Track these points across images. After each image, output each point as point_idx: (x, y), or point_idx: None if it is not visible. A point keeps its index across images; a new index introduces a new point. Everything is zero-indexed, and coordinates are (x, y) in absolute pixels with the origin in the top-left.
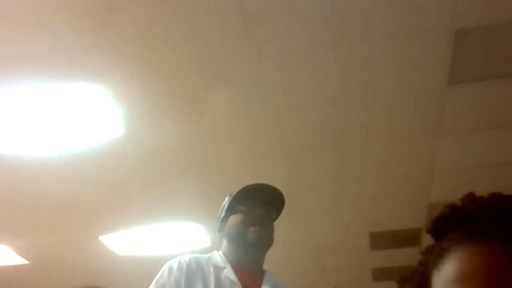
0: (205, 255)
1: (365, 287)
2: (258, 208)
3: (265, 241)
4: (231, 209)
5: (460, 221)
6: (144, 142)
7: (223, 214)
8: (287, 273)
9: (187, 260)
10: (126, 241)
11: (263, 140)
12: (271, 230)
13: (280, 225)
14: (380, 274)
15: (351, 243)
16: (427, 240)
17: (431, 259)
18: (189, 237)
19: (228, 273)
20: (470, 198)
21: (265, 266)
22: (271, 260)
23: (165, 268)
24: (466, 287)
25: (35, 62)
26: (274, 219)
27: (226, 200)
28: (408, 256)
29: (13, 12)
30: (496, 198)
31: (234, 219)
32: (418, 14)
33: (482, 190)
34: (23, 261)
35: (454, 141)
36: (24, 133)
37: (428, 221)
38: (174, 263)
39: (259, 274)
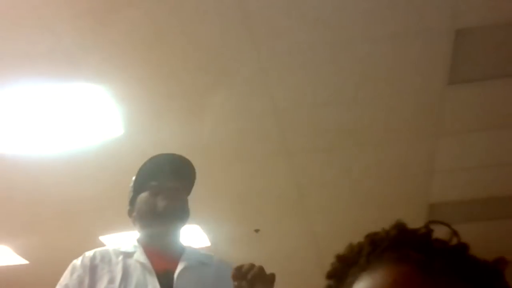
0: (116, 245)
1: None
2: (167, 180)
3: (177, 211)
4: (139, 188)
5: (351, 262)
6: (144, 142)
7: (131, 195)
8: (287, 273)
9: (91, 254)
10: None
11: (263, 140)
12: (184, 201)
13: (280, 225)
14: None
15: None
16: None
17: None
18: (188, 238)
19: (138, 256)
20: (350, 246)
21: (186, 244)
22: (271, 260)
23: (68, 268)
24: None
25: (35, 62)
26: (188, 191)
27: (133, 179)
28: None
29: (13, 12)
30: (371, 236)
31: (142, 196)
32: (418, 14)
33: (482, 190)
34: (23, 261)
35: (454, 141)
36: (24, 133)
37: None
38: (78, 261)
39: (177, 252)
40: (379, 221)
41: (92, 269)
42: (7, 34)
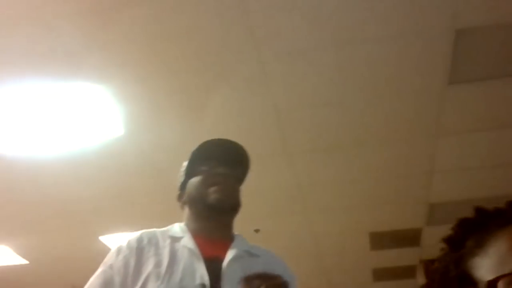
0: (164, 229)
1: (365, 287)
2: (219, 166)
3: (229, 202)
4: (190, 172)
5: (495, 216)
6: (144, 142)
7: (181, 179)
8: None
9: (138, 236)
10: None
11: (263, 140)
12: (235, 190)
13: (280, 225)
14: (380, 274)
15: (351, 243)
16: (427, 240)
17: (466, 251)
18: None
19: (186, 241)
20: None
21: (236, 232)
22: None
23: (114, 248)
24: None
25: (35, 62)
26: (240, 179)
27: (184, 165)
28: (408, 256)
29: (14, 11)
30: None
31: (193, 181)
32: (418, 14)
33: (482, 190)
34: (23, 261)
35: (454, 141)
36: (25, 133)
37: (453, 227)
38: (124, 242)
39: (226, 241)
40: (379, 221)
41: (139, 251)
42: (7, 33)
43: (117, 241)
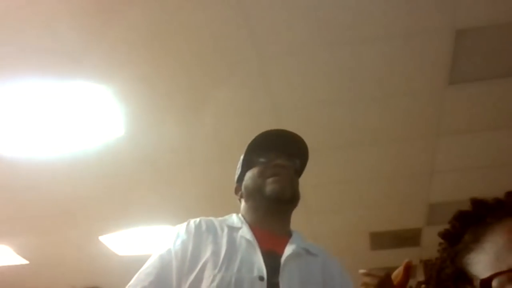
0: (221, 218)
1: None
2: (278, 158)
3: (287, 193)
4: (248, 164)
5: (493, 208)
6: (145, 142)
7: (239, 171)
8: None
9: (197, 222)
10: (126, 241)
11: None
12: (294, 182)
13: None
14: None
15: (351, 243)
16: (427, 240)
17: (463, 246)
18: None
19: (245, 232)
20: (480, 198)
21: (293, 228)
22: None
23: (172, 232)
24: None
25: (35, 62)
26: (298, 171)
27: (242, 158)
28: (408, 256)
29: (14, 10)
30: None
31: (250, 173)
32: (418, 14)
33: (482, 190)
34: (23, 261)
35: (454, 141)
36: (25, 133)
37: (450, 221)
38: (182, 226)
39: (284, 236)
40: (379, 221)
41: (197, 237)
42: (7, 33)
43: (117, 241)
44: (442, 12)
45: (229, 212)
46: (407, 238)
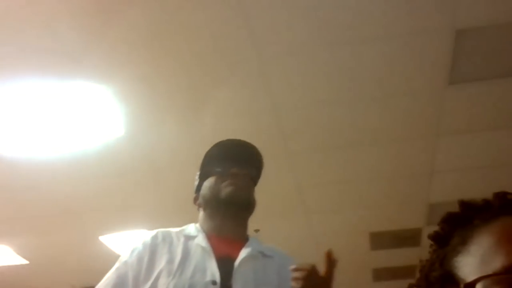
0: (179, 228)
1: (365, 287)
2: (233, 167)
3: (242, 196)
4: (205, 175)
5: (480, 209)
6: (144, 142)
7: (197, 182)
8: None
9: (153, 233)
10: (126, 241)
11: (263, 140)
12: (250, 188)
13: (280, 225)
14: (380, 274)
15: (351, 243)
16: (427, 240)
17: (450, 249)
18: None
19: (200, 240)
20: (472, 199)
21: (252, 234)
22: None
23: (130, 246)
24: (510, 248)
25: (35, 62)
26: (254, 179)
27: (200, 168)
28: (408, 256)
29: (14, 10)
30: (501, 193)
31: (207, 182)
32: (418, 14)
33: (482, 190)
34: (23, 261)
35: (454, 141)
36: (25, 133)
37: (439, 223)
38: (139, 241)
39: (240, 241)
40: (379, 221)
41: (153, 248)
42: (7, 33)
43: (117, 241)
44: (442, 12)
45: None
46: (407, 238)
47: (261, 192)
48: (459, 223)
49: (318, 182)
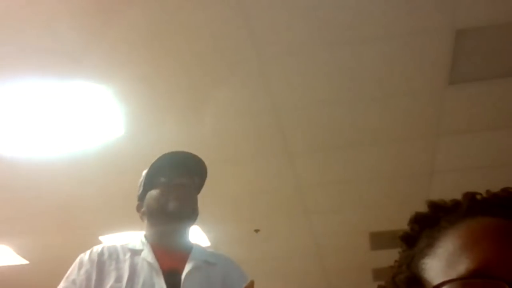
0: (124, 242)
1: (365, 287)
2: (177, 177)
3: (187, 210)
4: (149, 184)
5: (448, 210)
6: (145, 142)
7: (140, 190)
8: (287, 273)
9: (99, 250)
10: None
11: (263, 140)
12: (194, 200)
13: (280, 225)
14: (381, 274)
15: (351, 243)
16: None
17: (417, 250)
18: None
19: (146, 255)
20: (442, 200)
21: (194, 242)
22: (271, 260)
23: (75, 262)
24: (475, 251)
25: (35, 61)
26: (197, 189)
27: (143, 175)
28: None
29: (14, 10)
30: (469, 193)
31: (153, 193)
32: (418, 14)
33: (482, 190)
34: (23, 261)
35: (454, 141)
36: (25, 133)
37: (408, 223)
38: (85, 256)
39: (184, 252)
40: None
41: (100, 265)
42: (7, 33)
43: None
44: (442, 12)
45: (227, 211)
46: None
47: (261, 192)
48: (427, 224)
49: (318, 182)
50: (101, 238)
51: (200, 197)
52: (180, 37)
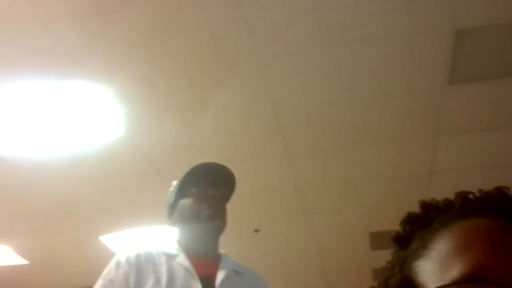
0: (157, 246)
1: (365, 287)
2: (209, 188)
3: (219, 220)
4: (181, 193)
5: (441, 211)
6: (145, 142)
7: (172, 199)
8: (287, 273)
9: (136, 253)
10: (126, 241)
11: (263, 140)
12: (224, 210)
13: (280, 225)
14: (381, 274)
15: (351, 243)
16: None
17: (410, 252)
18: None
19: (182, 260)
20: (434, 199)
21: (222, 250)
22: (271, 260)
23: (112, 262)
24: (469, 253)
25: (35, 61)
26: (226, 200)
27: (174, 185)
28: None
29: (14, 10)
30: (461, 193)
31: (185, 202)
32: (418, 14)
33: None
34: (23, 261)
35: (454, 141)
36: (24, 133)
37: (400, 223)
38: (122, 257)
39: (215, 259)
40: (379, 221)
41: (138, 267)
42: (7, 33)
43: (116, 241)
44: (442, 12)
45: (227, 210)
46: None
47: (261, 192)
48: (419, 225)
49: (318, 182)
50: (101, 238)
51: None
52: (180, 37)
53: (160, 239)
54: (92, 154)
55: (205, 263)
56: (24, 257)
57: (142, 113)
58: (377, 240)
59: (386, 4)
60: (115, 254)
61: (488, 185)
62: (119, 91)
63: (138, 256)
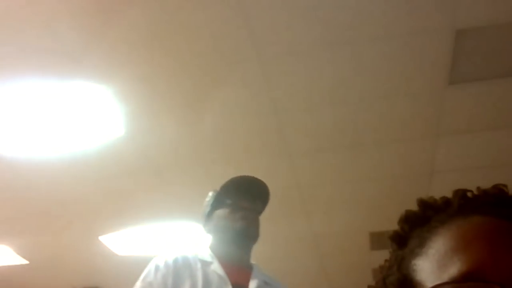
0: (192, 251)
1: (365, 287)
2: (244, 200)
3: (253, 231)
4: (216, 204)
5: (439, 209)
6: (145, 142)
7: (208, 209)
8: (287, 273)
9: (174, 257)
10: (126, 241)
11: (263, 140)
12: (257, 222)
13: (280, 225)
14: (378, 273)
15: (351, 243)
16: None
17: (408, 251)
18: (190, 237)
19: (216, 267)
20: (432, 197)
21: (253, 261)
22: (272, 260)
23: (151, 265)
24: (467, 252)
25: (35, 61)
26: (259, 212)
27: (211, 195)
28: None
29: (14, 10)
30: (458, 191)
31: (220, 212)
32: (418, 14)
33: None
34: (23, 261)
35: (454, 141)
36: (24, 133)
37: (398, 222)
38: (160, 261)
39: (247, 269)
40: (379, 221)
41: (175, 271)
42: (7, 33)
43: (116, 241)
44: (442, 12)
45: None
46: None
47: None
48: (417, 224)
49: (318, 182)
50: (101, 238)
51: (200, 197)
52: (180, 37)
53: (159, 239)
54: (92, 154)
55: (238, 272)
56: (24, 257)
57: (142, 113)
58: (377, 240)
59: (386, 4)
60: (115, 254)
61: (488, 185)
62: (119, 91)
63: (175, 260)
